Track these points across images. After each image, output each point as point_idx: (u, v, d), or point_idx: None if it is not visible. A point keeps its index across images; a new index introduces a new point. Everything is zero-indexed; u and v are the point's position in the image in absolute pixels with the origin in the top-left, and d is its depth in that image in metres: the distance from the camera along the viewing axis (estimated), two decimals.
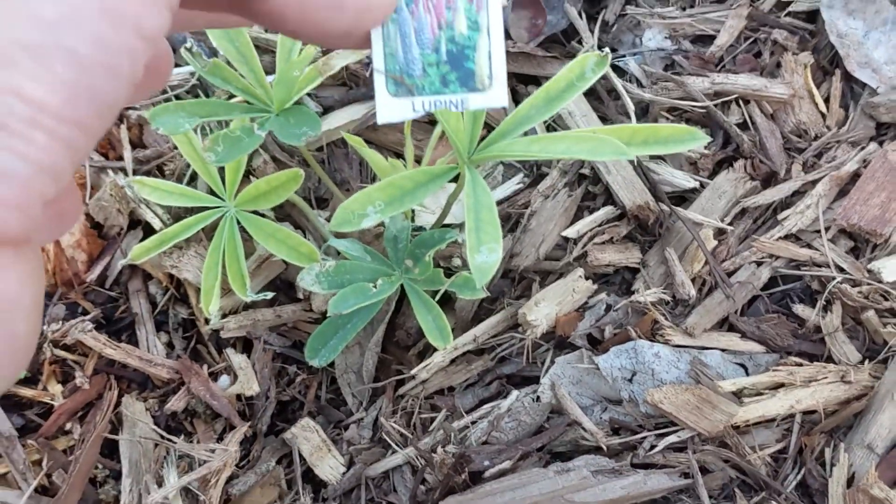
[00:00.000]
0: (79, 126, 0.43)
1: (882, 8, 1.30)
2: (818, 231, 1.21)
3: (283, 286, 1.30)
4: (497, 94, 0.65)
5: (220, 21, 0.64)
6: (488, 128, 1.07)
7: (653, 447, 1.11)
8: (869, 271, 1.17)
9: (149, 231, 1.29)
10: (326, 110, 1.34)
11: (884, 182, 1.20)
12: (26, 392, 1.22)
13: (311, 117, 1.09)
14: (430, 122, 1.34)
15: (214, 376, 1.25)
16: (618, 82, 1.31)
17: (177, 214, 1.29)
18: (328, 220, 1.05)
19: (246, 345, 1.29)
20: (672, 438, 1.11)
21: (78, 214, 0.55)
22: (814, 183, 1.23)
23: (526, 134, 1.04)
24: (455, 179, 1.01)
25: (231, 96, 1.31)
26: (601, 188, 1.26)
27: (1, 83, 0.41)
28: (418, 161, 1.27)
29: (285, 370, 1.27)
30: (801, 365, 1.14)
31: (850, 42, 1.30)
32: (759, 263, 1.20)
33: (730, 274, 1.20)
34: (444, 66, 0.66)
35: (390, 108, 0.65)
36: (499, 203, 1.23)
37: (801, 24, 1.35)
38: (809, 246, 1.21)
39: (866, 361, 1.15)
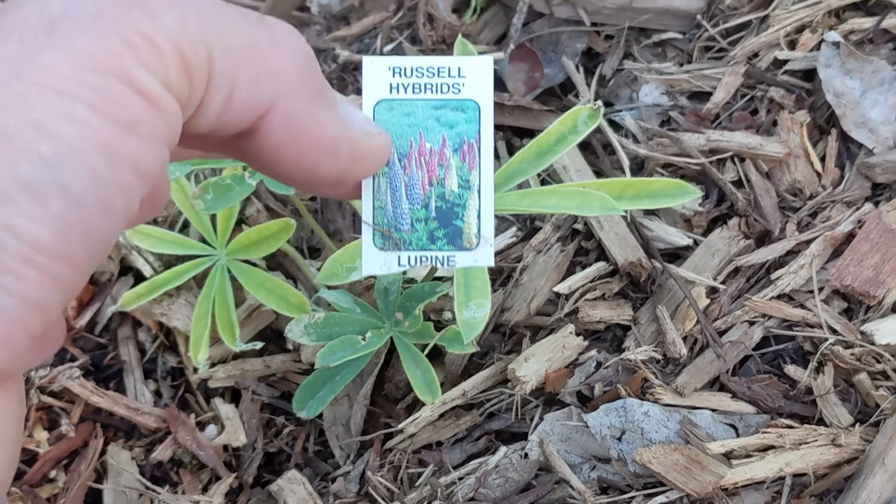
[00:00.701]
0: (70, 263, 0.43)
1: (879, 68, 1.30)
2: (811, 291, 1.20)
3: (273, 336, 1.30)
4: (484, 254, 0.67)
5: (213, 155, 0.65)
6: None
7: None
8: (862, 333, 1.17)
9: (139, 278, 1.29)
10: None
11: (878, 243, 1.20)
12: None
13: None
14: None
15: (202, 426, 1.25)
16: (613, 137, 1.30)
17: (168, 262, 1.29)
18: (320, 270, 1.05)
19: (234, 395, 1.28)
20: (661, 499, 1.09)
21: (61, 341, 0.55)
22: (808, 243, 1.23)
23: (521, 187, 1.04)
24: None
25: None
26: (594, 244, 1.25)
27: None
28: None
29: (273, 421, 1.26)
30: (791, 427, 1.12)
31: (847, 102, 1.30)
32: (751, 323, 1.20)
33: (721, 333, 1.19)
34: (432, 222, 0.66)
35: (375, 260, 0.66)
36: None
37: (798, 83, 1.35)
38: (802, 306, 1.21)
39: (858, 424, 1.14)
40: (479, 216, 0.66)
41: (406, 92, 0.66)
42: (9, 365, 0.43)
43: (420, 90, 0.66)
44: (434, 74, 0.66)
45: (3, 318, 0.41)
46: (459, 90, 0.66)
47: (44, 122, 0.42)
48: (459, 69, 0.66)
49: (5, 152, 0.42)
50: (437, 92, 0.67)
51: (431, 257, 0.66)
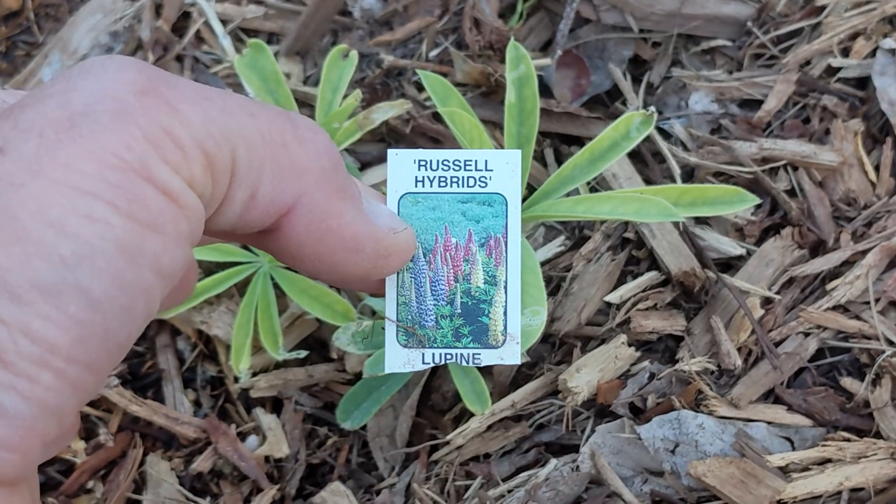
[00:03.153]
0: (88, 367, 0.42)
1: None
2: (867, 302, 1.18)
3: (316, 345, 1.28)
4: (510, 352, 0.66)
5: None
6: (530, 188, 1.05)
7: None
8: None
9: None
10: (364, 166, 1.32)
11: None
12: None
13: (350, 170, 1.07)
14: None
15: (242, 437, 1.23)
16: (663, 145, 1.29)
17: (208, 269, 1.27)
18: None
19: (275, 405, 1.26)
20: None
21: (72, 437, 0.55)
22: (863, 253, 1.20)
23: (569, 195, 1.02)
24: None
25: None
26: (645, 253, 1.23)
27: (11, 320, 0.40)
28: None
29: (316, 432, 1.24)
30: (849, 440, 1.10)
31: None
32: (806, 334, 1.17)
33: (776, 344, 1.17)
34: (457, 318, 0.66)
35: (400, 358, 0.65)
36: (540, 265, 1.20)
37: (852, 91, 1.33)
38: (858, 318, 1.18)
39: None
40: (505, 313, 0.66)
41: (432, 185, 0.66)
42: (21, 471, 0.41)
43: (446, 183, 0.66)
44: (460, 167, 0.66)
45: (18, 424, 0.40)
46: (486, 184, 0.66)
47: (62, 221, 0.41)
48: (486, 162, 0.66)
49: (21, 252, 0.40)
50: (463, 185, 0.66)
51: (456, 355, 0.65)
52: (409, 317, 0.65)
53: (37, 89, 0.46)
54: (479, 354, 0.66)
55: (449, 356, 0.65)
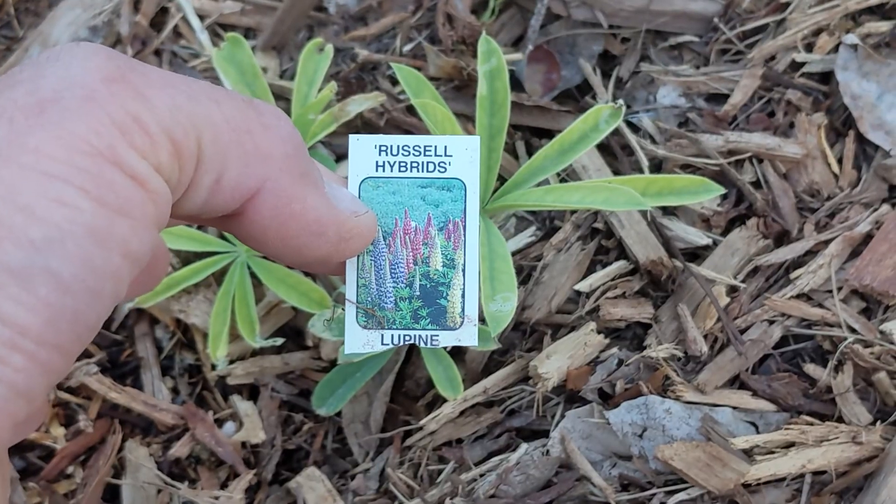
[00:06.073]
0: (58, 349, 0.43)
1: None
2: (830, 291, 1.21)
3: (292, 333, 1.29)
4: (468, 333, 0.68)
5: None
6: (501, 179, 1.07)
7: None
8: (881, 332, 1.17)
9: None
10: (339, 158, 1.34)
11: None
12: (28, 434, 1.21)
13: (326, 162, 1.09)
14: None
15: (219, 423, 1.24)
16: (632, 138, 1.31)
17: (186, 258, 1.28)
18: None
19: (252, 392, 1.28)
20: (682, 496, 1.10)
21: (42, 420, 0.57)
22: (826, 243, 1.23)
23: (540, 185, 1.04)
24: None
25: None
26: (614, 242, 1.26)
27: None
28: None
29: (292, 418, 1.26)
30: (812, 424, 1.13)
31: (864, 104, 1.30)
32: (770, 322, 1.20)
33: (742, 331, 1.19)
34: (416, 300, 0.68)
35: (359, 339, 0.67)
36: (511, 255, 1.23)
37: (815, 85, 1.35)
38: (821, 306, 1.21)
39: (877, 423, 1.14)
40: (463, 296, 0.68)
41: (392, 170, 0.67)
42: None
43: (406, 168, 0.68)
44: (420, 153, 0.68)
45: None
46: (445, 169, 0.68)
47: (32, 206, 0.42)
48: (446, 148, 0.68)
49: None
50: (423, 171, 0.68)
51: (415, 336, 0.67)
52: (369, 299, 0.67)
53: (6, 75, 0.47)
54: (437, 336, 0.68)
55: (407, 337, 0.67)
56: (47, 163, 0.43)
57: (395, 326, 0.67)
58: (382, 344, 0.67)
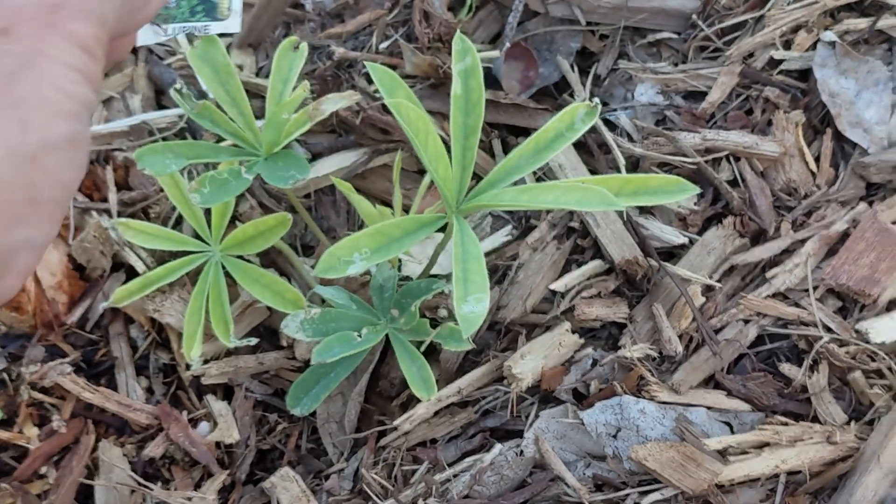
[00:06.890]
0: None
1: (874, 68, 1.30)
2: (806, 290, 1.21)
3: (267, 333, 1.29)
4: (233, 23, 0.87)
5: None
6: (476, 178, 1.06)
7: None
8: (856, 332, 1.17)
9: (132, 274, 1.28)
10: (315, 157, 1.34)
11: (873, 242, 1.20)
12: (1, 434, 1.21)
13: (300, 161, 1.08)
14: (419, 171, 1.34)
15: (194, 423, 1.24)
16: (608, 136, 1.30)
17: (161, 258, 1.28)
18: (314, 267, 1.04)
19: (227, 392, 1.28)
20: (655, 496, 1.09)
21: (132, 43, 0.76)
22: (803, 242, 1.23)
23: (515, 184, 1.03)
24: (443, 229, 1.00)
25: (219, 139, 1.31)
26: (590, 242, 1.25)
27: None
28: (406, 210, 1.26)
29: (266, 418, 1.26)
30: (786, 424, 1.12)
31: (842, 102, 1.30)
32: (746, 321, 1.20)
33: (717, 331, 1.19)
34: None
35: (147, 33, 0.83)
36: (486, 254, 1.22)
37: (793, 83, 1.35)
38: (797, 305, 1.21)
39: (852, 422, 1.14)
40: None
41: None
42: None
43: None
44: None
45: None
46: None
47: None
48: None
49: None
50: None
51: (192, 27, 0.85)
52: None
53: None
54: (209, 26, 0.86)
55: (185, 29, 0.85)
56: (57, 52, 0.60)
57: (176, 21, 0.84)
58: (166, 35, 0.85)
